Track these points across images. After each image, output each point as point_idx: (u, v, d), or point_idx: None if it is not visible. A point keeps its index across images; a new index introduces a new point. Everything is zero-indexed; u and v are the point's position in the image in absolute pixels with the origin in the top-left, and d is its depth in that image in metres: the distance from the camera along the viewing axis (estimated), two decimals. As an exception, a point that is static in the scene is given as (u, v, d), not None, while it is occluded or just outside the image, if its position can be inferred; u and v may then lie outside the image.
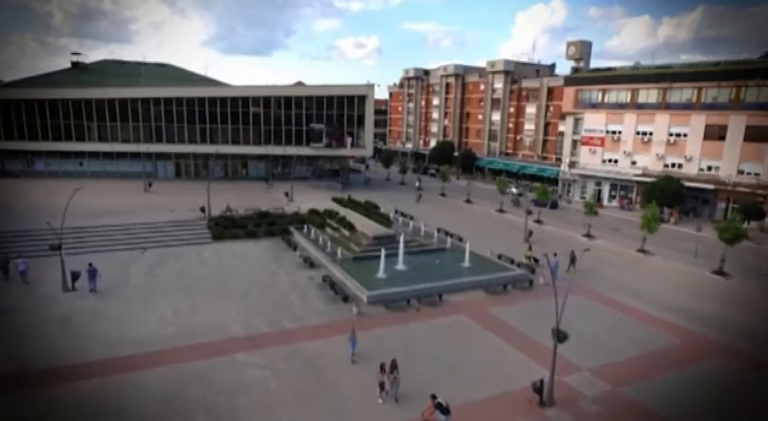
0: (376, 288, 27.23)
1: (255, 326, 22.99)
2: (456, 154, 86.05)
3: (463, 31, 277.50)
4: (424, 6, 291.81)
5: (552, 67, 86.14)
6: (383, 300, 25.97)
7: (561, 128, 71.52)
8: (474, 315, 25.13)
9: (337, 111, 63.44)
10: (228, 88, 67.14)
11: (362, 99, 63.04)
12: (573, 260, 32.33)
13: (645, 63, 59.40)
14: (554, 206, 53.21)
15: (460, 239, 39.02)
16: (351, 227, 38.50)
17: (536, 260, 33.72)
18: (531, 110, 78.23)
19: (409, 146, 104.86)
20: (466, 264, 32.51)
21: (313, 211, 44.08)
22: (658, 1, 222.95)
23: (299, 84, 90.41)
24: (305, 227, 40.77)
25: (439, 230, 41.60)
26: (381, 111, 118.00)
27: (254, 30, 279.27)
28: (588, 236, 42.50)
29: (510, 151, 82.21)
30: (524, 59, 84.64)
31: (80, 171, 62.46)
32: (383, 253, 29.95)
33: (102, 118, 61.02)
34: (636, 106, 54.95)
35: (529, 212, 42.55)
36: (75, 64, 75.45)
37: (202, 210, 41.74)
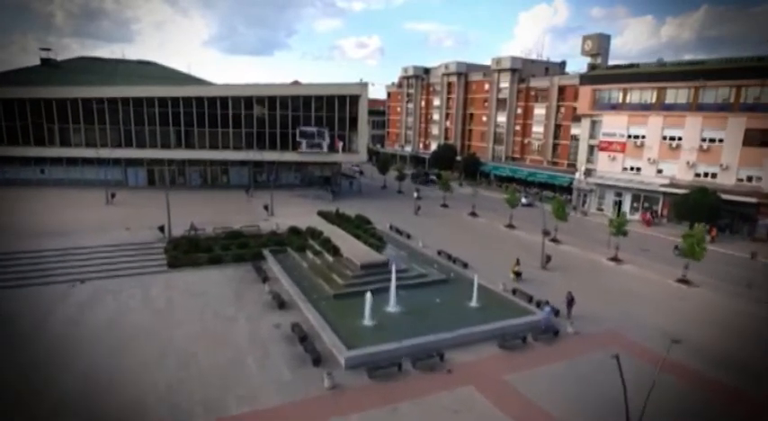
0: (358, 344, 20.97)
1: (187, 411, 16.70)
2: (458, 158, 79.85)
3: (465, 32, 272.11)
4: (425, 6, 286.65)
5: (562, 64, 80.00)
6: (367, 362, 19.70)
7: (574, 131, 65.37)
8: (486, 386, 18.84)
9: (328, 113, 57.22)
10: (207, 87, 60.92)
11: (355, 99, 56.80)
12: (570, 304, 25.32)
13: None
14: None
15: (465, 266, 32.86)
16: (335, 250, 32.24)
17: (519, 274, 30.91)
18: (540, 111, 72.08)
19: (408, 149, 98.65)
20: (473, 303, 26.23)
21: (293, 230, 37.85)
22: (661, 1, 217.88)
23: (296, 83, 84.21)
24: (282, 249, 34.67)
25: (440, 253, 35.52)
26: (380, 111, 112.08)
27: (255, 29, 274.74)
28: (615, 259, 36.22)
29: (517, 156, 76.04)
30: (532, 57, 78.43)
31: (41, 179, 56.37)
32: (369, 296, 23.62)
33: (65, 120, 54.85)
34: (663, 107, 48.65)
35: (546, 233, 36.28)
36: (45, 61, 69.20)
37: (161, 229, 35.50)
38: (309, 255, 33.53)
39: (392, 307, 25.17)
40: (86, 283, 28.15)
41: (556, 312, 24.77)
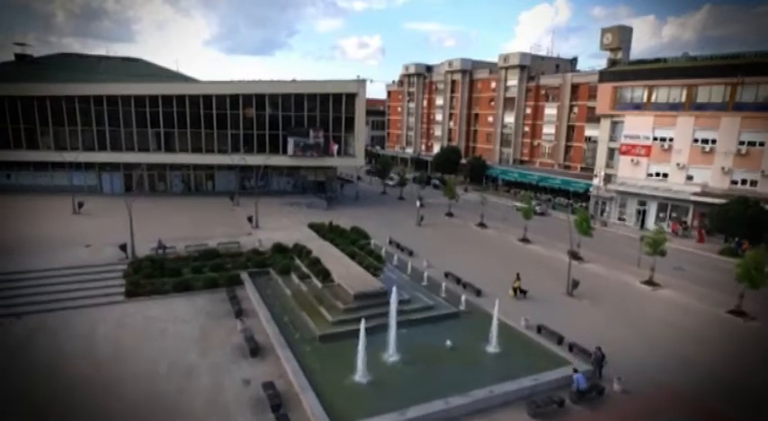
0: (347, 414, 16.07)
1: None
2: (463, 161, 74.92)
3: (467, 31, 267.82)
4: (427, 6, 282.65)
5: (574, 61, 75.17)
6: (358, 443, 14.86)
7: (588, 132, 60.66)
8: (519, 482, 13.96)
9: (322, 113, 52.30)
10: (189, 85, 55.94)
11: (352, 98, 51.86)
12: (600, 362, 19.42)
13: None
14: None
15: (479, 293, 28.00)
16: (325, 275, 27.32)
17: (523, 292, 27.96)
18: (550, 111, 67.21)
19: (409, 151, 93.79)
20: (492, 347, 21.32)
21: (278, 247, 32.96)
22: (664, 0, 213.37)
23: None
24: (263, 271, 29.79)
25: (447, 275, 30.70)
26: (379, 111, 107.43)
27: (256, 29, 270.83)
28: (651, 283, 31.27)
29: (525, 158, 71.15)
30: (542, 53, 73.53)
31: (7, 185, 51.55)
32: (363, 342, 18.66)
33: (33, 120, 49.96)
34: (693, 107, 43.68)
35: (574, 254, 31.39)
36: (20, 56, 64.36)
37: (123, 248, 30.57)
38: (295, 279, 28.57)
39: (392, 355, 20.27)
40: (23, 319, 23.28)
41: (598, 363, 19.69)
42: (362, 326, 18.84)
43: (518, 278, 28.55)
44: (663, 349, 22.51)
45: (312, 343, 21.47)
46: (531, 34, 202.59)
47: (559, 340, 22.10)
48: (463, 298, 26.21)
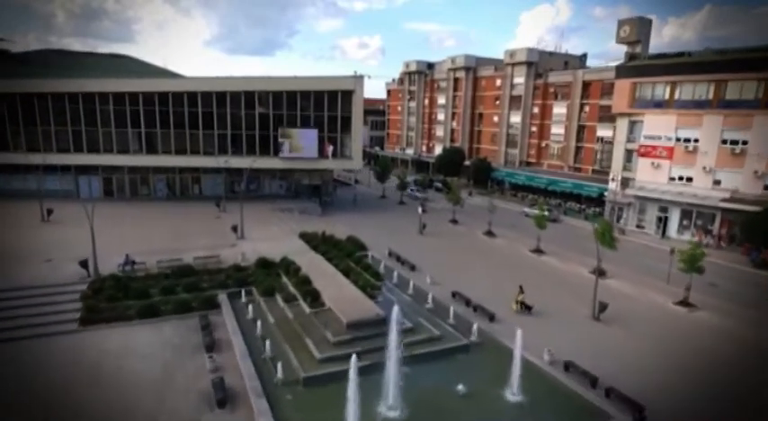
0: None
1: None
2: (467, 163, 71.14)
3: (467, 32, 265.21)
4: (427, 6, 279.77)
5: (583, 58, 71.34)
6: None
7: (600, 132, 56.94)
8: None
9: (316, 112, 48.49)
10: (172, 81, 52.29)
11: (349, 95, 48.05)
12: None
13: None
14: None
15: (492, 318, 24.26)
16: (314, 297, 23.66)
17: (528, 307, 25.33)
18: (559, 110, 63.42)
19: (410, 152, 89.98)
20: (514, 395, 17.57)
21: (263, 262, 29.25)
22: (664, 1, 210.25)
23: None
24: (244, 292, 26.00)
25: (455, 295, 26.95)
26: (379, 111, 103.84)
27: (256, 29, 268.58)
28: (686, 304, 27.50)
29: (532, 160, 67.34)
30: (549, 49, 69.75)
31: (-26, 189, 47.69)
32: (353, 386, 14.86)
33: (2, 120, 46.12)
34: (722, 104, 39.87)
35: (601, 272, 27.68)
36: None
37: (84, 264, 26.76)
38: (280, 301, 24.84)
39: (391, 407, 16.50)
40: (-47, 354, 19.55)
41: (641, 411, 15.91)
42: (353, 367, 15.02)
43: (521, 291, 25.78)
44: (714, 390, 18.81)
45: (294, 387, 17.76)
46: (531, 34, 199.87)
47: (593, 382, 18.35)
48: (475, 326, 22.45)
